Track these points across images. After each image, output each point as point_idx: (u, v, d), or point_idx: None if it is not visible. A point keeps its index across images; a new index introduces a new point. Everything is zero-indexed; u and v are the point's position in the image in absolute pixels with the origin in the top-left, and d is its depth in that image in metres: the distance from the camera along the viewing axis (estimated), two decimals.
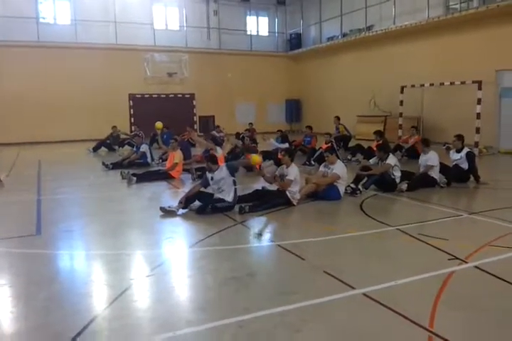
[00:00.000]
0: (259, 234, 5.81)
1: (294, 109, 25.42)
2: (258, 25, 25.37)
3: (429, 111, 16.55)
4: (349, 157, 12.18)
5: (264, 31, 25.62)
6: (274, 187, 7.54)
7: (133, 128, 20.34)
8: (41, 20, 20.29)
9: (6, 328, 3.39)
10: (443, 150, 12.22)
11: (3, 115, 19.26)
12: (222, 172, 6.86)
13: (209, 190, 7.02)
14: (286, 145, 11.46)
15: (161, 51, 21.75)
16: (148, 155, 12.10)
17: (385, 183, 7.96)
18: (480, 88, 13.37)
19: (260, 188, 7.65)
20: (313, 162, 11.57)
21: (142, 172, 10.12)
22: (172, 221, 6.42)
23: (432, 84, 15.14)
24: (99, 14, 20.55)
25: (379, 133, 12.22)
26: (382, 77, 18.92)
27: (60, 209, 7.39)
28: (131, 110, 21.92)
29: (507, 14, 13.88)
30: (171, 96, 22.58)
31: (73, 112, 20.35)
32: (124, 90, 21.48)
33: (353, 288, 3.91)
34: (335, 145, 11.67)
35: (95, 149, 15.97)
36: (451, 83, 14.43)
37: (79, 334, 3.20)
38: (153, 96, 22.13)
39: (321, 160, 11.61)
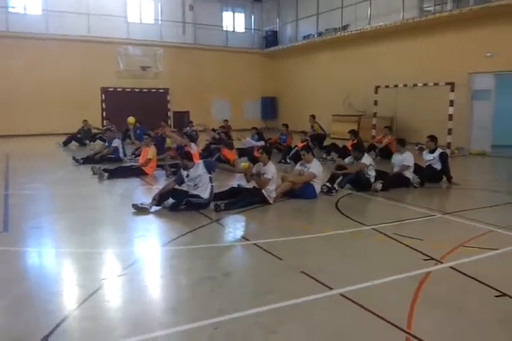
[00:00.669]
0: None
1: (269, 107, 25.38)
2: (234, 21, 25.20)
3: (403, 112, 16.75)
4: (324, 156, 12.21)
5: (240, 28, 25.47)
6: (250, 184, 7.46)
7: (105, 122, 19.97)
8: (10, 9, 19.63)
9: None
10: (415, 151, 12.36)
11: None
12: (198, 169, 6.73)
13: (183, 187, 6.89)
14: (262, 143, 11.40)
15: (135, 44, 21.34)
16: (121, 150, 11.84)
17: (359, 182, 7.99)
18: (453, 90, 13.61)
19: (236, 186, 7.57)
20: (288, 160, 11.55)
21: (114, 167, 9.88)
22: (145, 218, 6.26)
23: (405, 85, 15.34)
24: (72, 5, 19.97)
25: (353, 133, 12.31)
26: (357, 76, 19.06)
27: (29, 205, 7.13)
28: (103, 104, 21.45)
29: (480, 17, 14.14)
30: (144, 90, 22.21)
31: (43, 105, 19.78)
32: (97, 83, 20.99)
33: (330, 288, 3.87)
34: (310, 144, 11.67)
35: (65, 143, 15.54)
36: (425, 84, 14.64)
37: (49, 334, 3.08)
38: (127, 90, 21.71)
39: (296, 158, 11.59)
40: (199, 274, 4.20)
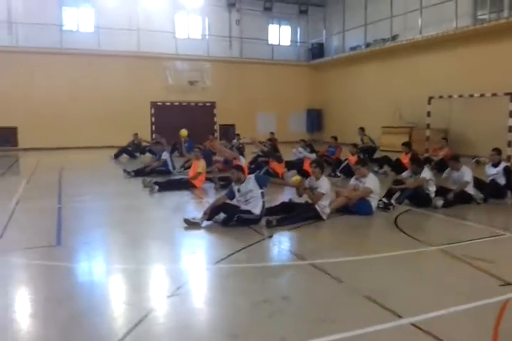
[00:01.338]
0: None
1: (315, 119, 25.09)
2: (280, 34, 25.20)
3: (457, 124, 16.06)
4: (376, 169, 11.78)
5: (286, 40, 25.44)
6: (301, 199, 7.20)
7: (154, 135, 20.28)
8: (64, 27, 20.41)
9: None
10: (472, 164, 11.74)
11: (25, 120, 19.34)
12: (249, 183, 6.54)
13: (234, 201, 6.71)
14: (314, 155, 11.11)
15: (183, 59, 21.71)
16: (170, 163, 11.85)
17: (419, 198, 7.55)
18: None
19: (287, 200, 7.31)
20: (338, 173, 11.21)
21: (164, 180, 9.88)
22: (196, 233, 6.11)
23: (460, 96, 14.68)
24: (123, 22, 20.60)
25: (407, 145, 11.84)
26: (407, 87, 18.52)
27: (81, 217, 7.17)
28: (153, 118, 21.84)
29: None
30: (192, 104, 22.48)
31: (95, 118, 20.36)
32: (146, 98, 21.45)
33: (399, 316, 3.53)
34: (361, 157, 11.29)
35: (116, 156, 15.85)
36: (482, 95, 13.96)
37: None
38: (175, 104, 22.06)
39: (347, 171, 11.29)
40: (255, 297, 3.95)
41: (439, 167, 11.69)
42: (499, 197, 8.35)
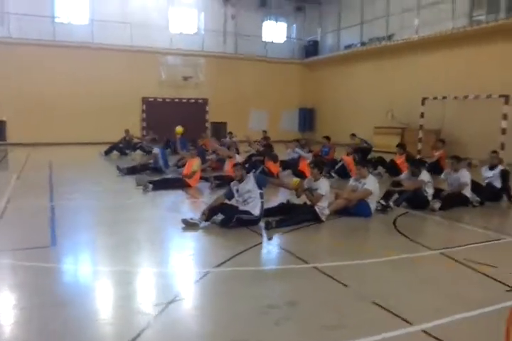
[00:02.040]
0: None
1: (307, 118, 25.00)
2: (275, 31, 25.03)
3: (450, 125, 16.09)
4: (370, 170, 11.69)
5: (280, 38, 25.30)
6: (299, 200, 7.12)
7: (144, 132, 20.07)
8: (57, 19, 20.05)
9: None
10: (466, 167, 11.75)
11: (14, 114, 19.00)
12: (248, 183, 6.43)
13: (233, 202, 6.61)
14: (310, 155, 11.02)
15: (177, 54, 21.46)
16: (161, 160, 11.55)
17: (417, 201, 7.52)
18: (507, 102, 12.92)
19: (285, 202, 7.22)
20: (333, 174, 11.15)
21: (158, 179, 9.72)
22: (194, 235, 6.00)
23: (455, 97, 14.69)
24: (116, 15, 20.27)
25: (402, 147, 11.82)
26: (401, 87, 18.53)
27: (75, 217, 6.99)
28: (144, 114, 21.59)
29: None
30: (183, 101, 22.23)
31: (84, 113, 20.06)
32: (138, 93, 21.20)
33: (409, 323, 3.47)
34: (357, 157, 11.24)
35: (107, 153, 15.60)
36: (476, 96, 13.99)
37: None
38: (167, 100, 21.80)
39: (341, 172, 11.23)
40: (260, 302, 3.85)
41: (433, 169, 11.71)
42: (495, 200, 8.37)
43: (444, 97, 15.06)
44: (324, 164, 12.10)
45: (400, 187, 7.67)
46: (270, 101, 23.88)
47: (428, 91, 15.94)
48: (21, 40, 18.65)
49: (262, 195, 6.43)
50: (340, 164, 11.34)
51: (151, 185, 8.99)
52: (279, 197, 8.06)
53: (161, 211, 7.76)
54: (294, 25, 25.31)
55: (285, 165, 11.68)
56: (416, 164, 7.89)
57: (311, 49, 24.53)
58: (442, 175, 8.59)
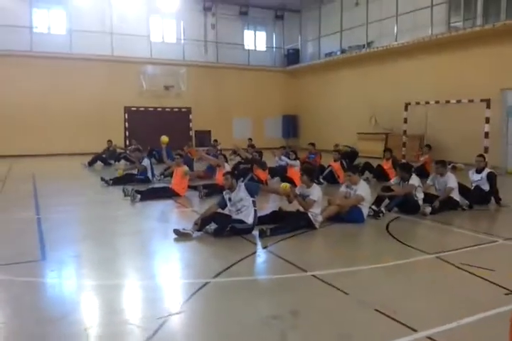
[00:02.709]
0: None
1: (291, 125, 25.10)
2: (256, 39, 25.16)
3: (433, 130, 16.29)
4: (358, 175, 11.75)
5: (261, 46, 25.43)
6: (291, 207, 7.08)
7: (127, 142, 19.83)
8: (35, 29, 19.77)
9: None
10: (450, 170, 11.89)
11: None
12: (240, 192, 6.37)
13: (226, 211, 6.54)
14: (298, 162, 11.00)
15: (158, 64, 21.36)
16: (149, 170, 11.48)
17: (408, 205, 7.55)
18: (489, 106, 13.14)
19: (277, 209, 7.17)
20: (322, 180, 11.15)
21: (145, 188, 9.57)
22: (188, 245, 5.90)
23: (437, 102, 14.91)
24: (95, 25, 20.12)
25: (389, 151, 11.93)
26: (382, 93, 18.74)
27: (63, 229, 6.83)
28: (126, 123, 21.36)
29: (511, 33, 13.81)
30: (167, 110, 22.09)
31: (66, 124, 19.80)
32: (120, 103, 20.96)
33: (413, 330, 3.43)
34: (345, 163, 11.29)
35: (91, 163, 15.36)
36: (458, 101, 14.21)
37: None
38: (149, 109, 21.64)
39: (330, 178, 11.26)
40: (263, 312, 3.78)
41: (419, 173, 11.81)
42: (483, 203, 8.46)
43: (427, 102, 15.26)
44: (314, 170, 12.27)
45: (390, 192, 7.69)
46: (253, 109, 23.94)
47: (410, 96, 16.16)
48: None
49: (254, 203, 6.37)
50: (328, 170, 11.36)
51: (138, 196, 8.85)
52: (270, 204, 8.02)
53: (151, 221, 7.60)
54: (274, 34, 25.44)
55: (273, 172, 11.65)
56: (406, 169, 7.91)
57: (293, 57, 24.71)
58: (429, 180, 8.63)
